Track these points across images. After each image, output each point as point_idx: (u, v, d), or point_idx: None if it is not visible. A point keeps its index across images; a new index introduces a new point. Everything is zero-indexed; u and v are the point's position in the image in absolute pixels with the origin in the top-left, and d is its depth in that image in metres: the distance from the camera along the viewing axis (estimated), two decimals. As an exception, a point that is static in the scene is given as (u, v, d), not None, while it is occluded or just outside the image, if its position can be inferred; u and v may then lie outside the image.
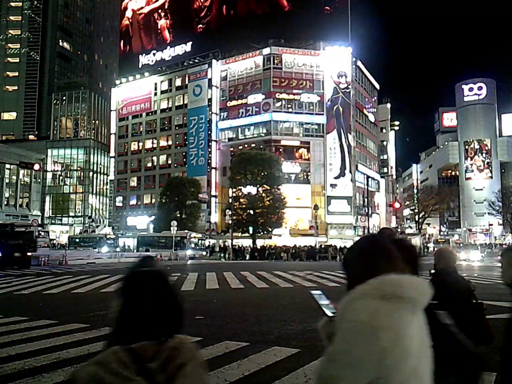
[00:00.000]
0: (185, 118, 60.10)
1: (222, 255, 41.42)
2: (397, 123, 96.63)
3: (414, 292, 1.39)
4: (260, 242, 44.81)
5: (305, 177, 52.70)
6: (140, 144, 65.28)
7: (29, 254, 23.85)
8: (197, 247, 41.51)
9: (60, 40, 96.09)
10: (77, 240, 56.74)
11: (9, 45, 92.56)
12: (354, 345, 1.29)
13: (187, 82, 60.16)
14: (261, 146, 51.82)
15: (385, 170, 73.81)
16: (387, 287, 1.38)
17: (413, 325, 1.37)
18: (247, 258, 39.42)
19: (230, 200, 43.40)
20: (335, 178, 52.21)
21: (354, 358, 1.28)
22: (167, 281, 1.41)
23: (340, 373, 1.28)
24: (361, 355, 1.28)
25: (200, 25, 61.66)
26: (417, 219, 74.54)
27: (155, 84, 64.10)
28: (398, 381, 1.30)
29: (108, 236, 52.63)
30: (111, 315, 1.36)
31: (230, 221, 42.56)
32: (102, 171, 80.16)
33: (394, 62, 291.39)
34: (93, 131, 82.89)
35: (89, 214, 73.38)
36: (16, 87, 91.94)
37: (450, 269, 3.59)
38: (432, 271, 3.78)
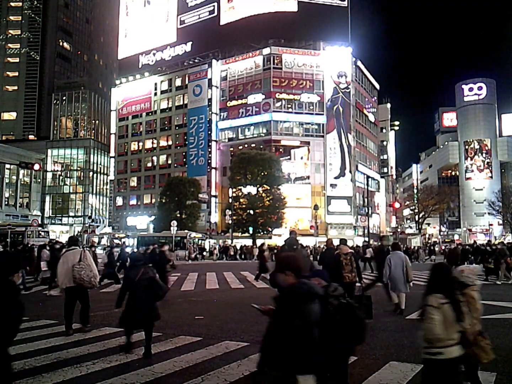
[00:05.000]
0: (185, 118, 60.07)
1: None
2: (397, 123, 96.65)
3: None
4: (260, 242, 44.71)
5: (305, 177, 52.73)
6: (140, 144, 65.25)
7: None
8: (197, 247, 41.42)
9: (60, 40, 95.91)
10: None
11: (9, 45, 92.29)
12: None
13: (187, 82, 60.12)
14: (261, 146, 51.80)
15: (385, 170, 73.78)
16: None
17: None
18: (214, 257, 38.18)
19: (230, 200, 43.38)
20: (335, 178, 52.21)
21: None
22: None
23: None
24: None
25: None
26: (417, 219, 74.59)
27: (155, 84, 64.05)
28: None
29: (114, 235, 52.43)
30: None
31: (230, 221, 42.53)
32: (102, 171, 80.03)
33: (394, 62, 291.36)
34: (93, 131, 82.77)
35: (89, 214, 73.15)
36: (16, 87, 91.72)
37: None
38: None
